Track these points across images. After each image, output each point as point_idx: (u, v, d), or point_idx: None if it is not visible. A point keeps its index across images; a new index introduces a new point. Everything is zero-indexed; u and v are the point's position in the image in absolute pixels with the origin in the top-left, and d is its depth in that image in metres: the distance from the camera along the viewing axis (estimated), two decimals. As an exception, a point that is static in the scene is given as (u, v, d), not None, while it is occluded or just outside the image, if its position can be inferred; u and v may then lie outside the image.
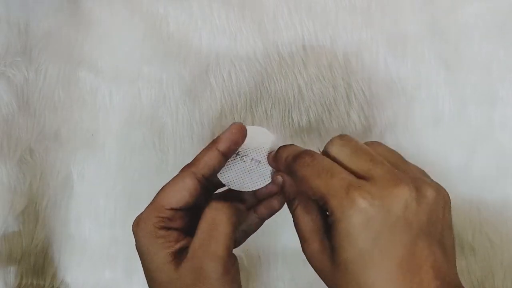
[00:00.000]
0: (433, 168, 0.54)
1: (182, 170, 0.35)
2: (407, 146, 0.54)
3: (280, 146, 0.34)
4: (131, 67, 0.57)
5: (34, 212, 0.56)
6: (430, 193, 0.27)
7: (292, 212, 0.32)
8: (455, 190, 0.53)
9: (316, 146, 0.55)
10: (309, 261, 0.31)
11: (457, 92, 0.55)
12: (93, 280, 0.56)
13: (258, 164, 0.35)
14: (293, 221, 0.32)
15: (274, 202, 0.37)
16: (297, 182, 0.30)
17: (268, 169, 0.35)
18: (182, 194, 0.33)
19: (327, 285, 0.29)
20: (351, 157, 0.28)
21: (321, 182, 0.27)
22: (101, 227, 0.55)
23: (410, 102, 0.55)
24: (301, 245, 0.31)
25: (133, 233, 0.33)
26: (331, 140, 0.30)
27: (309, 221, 0.31)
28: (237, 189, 0.36)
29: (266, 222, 0.39)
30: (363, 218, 0.25)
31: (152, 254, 0.32)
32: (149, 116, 0.56)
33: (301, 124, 0.55)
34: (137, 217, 0.34)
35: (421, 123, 0.55)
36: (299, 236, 0.32)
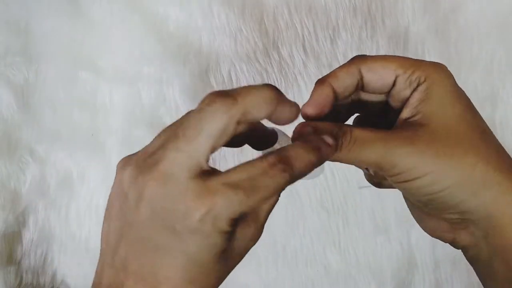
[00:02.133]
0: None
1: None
2: (407, 146, 0.54)
3: (323, 78, 0.27)
4: (131, 67, 0.57)
5: (34, 212, 0.56)
6: None
7: (351, 139, 0.25)
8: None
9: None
10: (403, 160, 0.25)
11: (457, 92, 0.55)
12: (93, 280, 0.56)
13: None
14: (355, 149, 0.25)
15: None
16: (369, 66, 0.27)
17: None
18: (278, 191, 0.24)
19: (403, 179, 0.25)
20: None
21: (403, 57, 0.27)
22: (101, 227, 0.55)
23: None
24: (386, 154, 0.25)
25: (195, 229, 0.22)
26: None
27: (375, 131, 0.25)
28: None
29: (267, 222, 0.39)
30: (456, 85, 0.27)
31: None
32: (149, 116, 0.56)
33: (301, 124, 0.55)
34: (207, 205, 0.22)
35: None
36: (378, 152, 0.25)
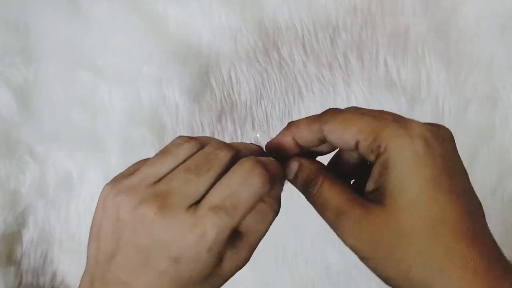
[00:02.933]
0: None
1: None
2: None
3: (290, 122, 0.29)
4: (131, 67, 0.57)
5: (34, 212, 0.56)
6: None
7: (317, 190, 0.27)
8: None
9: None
10: (348, 238, 0.25)
11: (457, 92, 0.55)
12: (93, 280, 0.56)
13: None
14: (318, 201, 0.27)
15: None
16: (329, 129, 0.26)
17: None
18: (257, 201, 0.26)
19: (371, 259, 0.24)
20: (375, 111, 0.27)
21: (366, 118, 0.25)
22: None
23: (410, 102, 0.55)
24: (335, 223, 0.26)
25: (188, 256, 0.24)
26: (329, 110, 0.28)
27: (342, 190, 0.26)
28: None
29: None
30: (426, 145, 0.23)
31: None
32: (149, 116, 0.56)
33: (301, 124, 0.55)
34: (197, 233, 0.24)
35: (421, 123, 0.55)
36: (329, 216, 0.26)
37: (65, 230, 0.56)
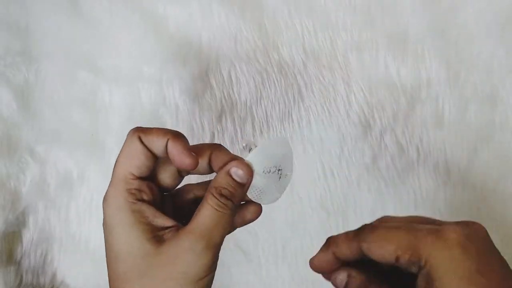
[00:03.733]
0: (433, 168, 0.54)
1: (129, 134, 0.32)
2: (407, 147, 0.54)
3: (329, 239, 0.31)
4: (131, 67, 0.57)
5: (34, 212, 0.56)
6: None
7: None
8: (455, 190, 0.53)
9: (316, 147, 0.55)
10: None
11: (457, 92, 0.55)
12: (93, 280, 0.56)
13: (285, 177, 0.33)
14: None
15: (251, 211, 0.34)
16: (368, 247, 0.28)
17: (287, 182, 0.34)
18: (140, 159, 0.31)
19: None
20: (409, 218, 0.29)
21: (403, 233, 0.26)
22: (101, 227, 0.55)
23: (410, 102, 0.55)
24: None
25: (103, 211, 0.31)
26: (379, 219, 0.31)
27: None
28: (254, 200, 0.33)
29: (266, 221, 0.39)
30: (462, 250, 0.25)
31: (127, 229, 0.30)
32: (149, 116, 0.56)
33: (301, 124, 0.55)
34: (105, 195, 0.31)
35: (421, 123, 0.55)
36: None
37: (65, 230, 0.56)
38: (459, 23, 0.55)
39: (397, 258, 0.26)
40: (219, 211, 0.30)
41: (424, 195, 0.53)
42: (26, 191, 0.55)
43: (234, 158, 0.32)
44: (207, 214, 0.30)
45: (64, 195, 0.56)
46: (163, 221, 0.31)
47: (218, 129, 0.56)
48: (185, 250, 0.29)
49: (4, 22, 0.58)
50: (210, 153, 0.32)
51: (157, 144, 0.30)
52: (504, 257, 0.27)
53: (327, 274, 0.30)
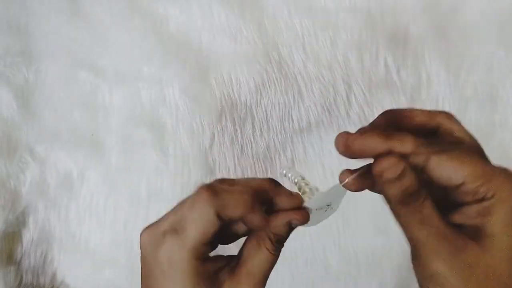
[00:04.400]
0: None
1: (203, 199, 0.29)
2: (407, 146, 0.54)
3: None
4: (131, 67, 0.57)
5: (34, 212, 0.56)
6: None
7: (420, 204, 0.26)
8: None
9: (316, 146, 0.55)
10: (440, 261, 0.25)
11: (457, 92, 0.55)
12: (93, 280, 0.56)
13: (331, 209, 0.34)
14: (417, 215, 0.26)
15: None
16: (436, 164, 0.26)
17: (332, 213, 0.34)
18: (214, 231, 0.28)
19: None
20: (468, 136, 0.30)
21: (481, 160, 0.26)
22: (101, 227, 0.55)
23: (410, 102, 0.55)
24: (431, 242, 0.25)
25: (163, 272, 0.28)
26: (436, 113, 0.30)
27: (439, 216, 0.26)
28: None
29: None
30: None
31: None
32: (149, 116, 0.56)
33: (301, 124, 0.55)
34: (165, 255, 0.28)
35: (421, 123, 0.55)
36: (426, 234, 0.26)
37: (65, 230, 0.56)
38: (459, 23, 0.55)
39: (462, 184, 0.25)
40: (275, 255, 0.31)
41: (424, 195, 0.53)
42: (26, 191, 0.55)
43: (294, 202, 0.32)
44: (264, 258, 0.30)
45: (64, 195, 0.56)
46: (218, 262, 0.31)
47: (218, 129, 0.56)
48: None
49: (4, 22, 0.58)
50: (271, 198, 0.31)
51: (234, 216, 0.29)
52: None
53: (361, 158, 0.27)
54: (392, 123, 0.29)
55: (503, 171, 0.26)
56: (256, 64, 0.56)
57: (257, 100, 0.56)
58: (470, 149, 0.28)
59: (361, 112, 0.55)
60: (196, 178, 0.55)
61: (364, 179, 0.29)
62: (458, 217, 0.26)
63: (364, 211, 0.54)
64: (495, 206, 0.25)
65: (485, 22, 0.55)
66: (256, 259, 0.30)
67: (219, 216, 0.28)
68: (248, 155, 0.55)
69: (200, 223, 0.27)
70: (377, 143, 0.26)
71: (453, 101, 0.55)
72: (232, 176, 0.55)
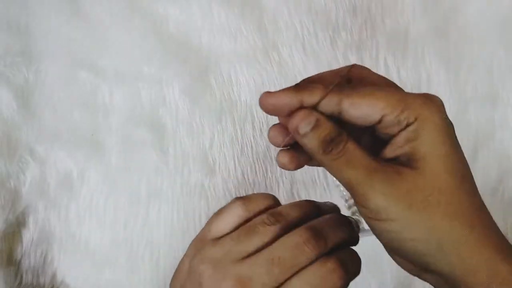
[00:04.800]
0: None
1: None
2: (407, 146, 0.54)
3: (304, 82, 0.28)
4: (131, 67, 0.57)
5: (34, 212, 0.56)
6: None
7: (343, 148, 0.25)
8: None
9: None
10: (379, 197, 0.25)
11: (457, 92, 0.55)
12: (93, 280, 0.56)
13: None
14: (342, 160, 0.26)
15: None
16: (351, 103, 0.25)
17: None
18: None
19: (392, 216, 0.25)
20: (383, 79, 0.30)
21: (395, 91, 0.26)
22: (101, 227, 0.55)
23: (410, 102, 0.55)
24: (365, 181, 0.25)
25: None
26: (349, 67, 0.29)
27: (367, 152, 0.26)
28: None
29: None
30: (444, 115, 0.26)
31: None
32: (149, 116, 0.56)
33: (301, 124, 0.55)
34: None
35: (421, 123, 0.55)
36: (357, 174, 0.25)
37: (65, 230, 0.56)
38: (459, 23, 0.55)
39: (382, 117, 0.25)
40: None
41: (424, 195, 0.53)
42: (26, 191, 0.55)
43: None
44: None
45: (64, 195, 0.56)
46: None
47: (218, 129, 0.56)
48: None
49: (4, 22, 0.58)
50: None
51: None
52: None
53: (279, 116, 0.28)
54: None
55: (420, 94, 0.27)
56: (256, 64, 0.56)
57: (257, 100, 0.56)
58: (382, 85, 0.28)
59: (361, 112, 0.55)
60: (196, 178, 0.55)
61: (298, 155, 0.29)
62: (389, 151, 0.26)
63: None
64: (420, 128, 0.25)
65: (485, 22, 0.55)
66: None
67: None
68: (248, 155, 0.55)
69: None
70: (287, 98, 0.27)
71: (453, 101, 0.55)
72: (232, 176, 0.55)
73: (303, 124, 0.26)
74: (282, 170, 0.57)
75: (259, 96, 0.54)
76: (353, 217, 0.33)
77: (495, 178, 0.53)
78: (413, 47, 0.55)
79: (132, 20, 0.57)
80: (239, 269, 0.26)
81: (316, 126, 0.26)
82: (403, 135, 0.25)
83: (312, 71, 0.56)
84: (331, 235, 0.28)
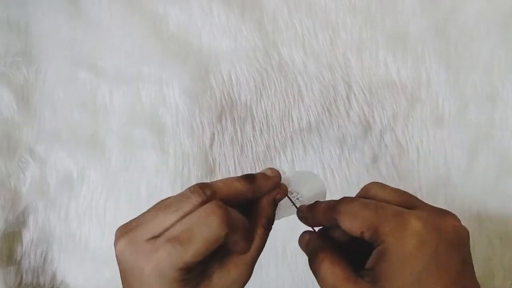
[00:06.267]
0: (433, 168, 0.54)
1: (210, 203, 0.28)
2: (407, 147, 0.54)
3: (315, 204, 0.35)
4: (131, 67, 0.57)
5: (34, 212, 0.56)
6: (463, 227, 0.30)
7: (318, 266, 0.31)
8: (455, 190, 0.53)
9: (316, 147, 0.55)
10: None
11: (457, 92, 0.55)
12: (93, 280, 0.56)
13: (300, 203, 0.37)
14: (318, 275, 0.31)
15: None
16: (340, 219, 0.30)
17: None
18: (219, 240, 0.27)
19: None
20: (393, 194, 0.31)
21: (370, 212, 0.29)
22: (101, 227, 0.55)
23: (410, 102, 0.55)
24: None
25: (150, 282, 0.28)
26: (367, 185, 0.33)
27: (340, 270, 0.30)
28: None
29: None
30: (418, 240, 0.27)
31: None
32: (149, 116, 0.56)
33: (301, 124, 0.55)
34: (157, 265, 0.27)
35: (421, 123, 0.55)
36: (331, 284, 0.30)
37: (65, 230, 0.56)
38: (459, 23, 0.55)
39: (362, 233, 0.29)
40: (264, 240, 0.33)
41: (424, 195, 0.53)
42: (26, 191, 0.55)
43: (274, 180, 0.35)
44: (257, 246, 0.32)
45: (64, 195, 0.56)
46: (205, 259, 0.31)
47: (218, 129, 0.56)
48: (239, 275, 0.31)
49: (4, 22, 0.58)
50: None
51: (234, 240, 0.30)
52: (504, 258, 0.28)
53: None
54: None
55: (396, 215, 0.28)
56: (256, 64, 0.56)
57: (257, 100, 0.56)
58: (369, 200, 0.31)
59: (361, 112, 0.55)
60: (196, 178, 0.55)
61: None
62: (369, 263, 0.29)
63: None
64: (384, 252, 0.27)
65: (485, 22, 0.55)
66: (255, 249, 0.32)
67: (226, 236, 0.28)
68: (248, 155, 0.55)
69: (210, 239, 0.27)
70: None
71: (453, 101, 0.55)
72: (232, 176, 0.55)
73: (301, 240, 0.35)
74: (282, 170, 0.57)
75: (259, 96, 0.54)
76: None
77: (495, 178, 0.53)
78: (413, 47, 0.55)
79: (132, 20, 0.58)
80: (129, 223, 0.29)
81: (308, 244, 0.34)
82: (375, 253, 0.28)
83: (312, 71, 0.56)
84: (223, 188, 0.30)
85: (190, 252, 0.26)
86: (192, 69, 0.56)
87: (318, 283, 0.31)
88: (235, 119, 0.56)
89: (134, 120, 0.56)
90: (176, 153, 0.55)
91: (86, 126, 0.56)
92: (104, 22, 0.58)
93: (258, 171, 0.56)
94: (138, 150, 0.56)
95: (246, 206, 0.33)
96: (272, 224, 0.34)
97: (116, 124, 0.56)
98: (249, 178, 0.33)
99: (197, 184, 0.29)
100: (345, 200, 0.31)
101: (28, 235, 0.55)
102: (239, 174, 0.56)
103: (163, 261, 0.27)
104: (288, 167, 0.55)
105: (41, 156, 0.56)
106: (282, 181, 0.35)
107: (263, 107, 0.56)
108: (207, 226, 0.27)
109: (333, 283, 0.29)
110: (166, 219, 0.28)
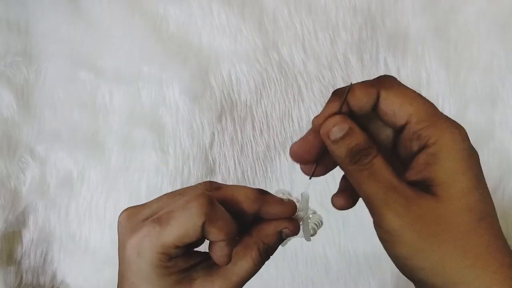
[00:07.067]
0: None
1: (196, 195, 0.27)
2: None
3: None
4: (131, 67, 0.57)
5: (34, 212, 0.56)
6: None
7: (370, 160, 0.25)
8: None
9: (316, 146, 0.55)
10: (393, 216, 0.24)
11: (457, 92, 0.55)
12: (93, 280, 0.56)
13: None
14: (366, 172, 0.25)
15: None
16: (387, 95, 0.25)
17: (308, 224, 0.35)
18: (196, 227, 0.26)
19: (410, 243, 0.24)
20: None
21: (426, 103, 0.25)
22: (101, 227, 0.55)
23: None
24: (383, 197, 0.24)
25: (130, 259, 0.28)
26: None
27: (393, 170, 0.25)
28: None
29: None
30: (470, 146, 0.25)
31: (156, 282, 0.28)
32: (149, 116, 0.56)
33: (301, 124, 0.55)
34: (136, 242, 0.27)
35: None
36: (378, 188, 0.25)
37: (65, 230, 0.56)
38: (459, 23, 0.55)
39: (406, 123, 0.25)
40: (258, 266, 0.30)
41: (424, 195, 0.53)
42: (26, 191, 0.55)
43: (288, 210, 0.31)
44: (246, 267, 0.29)
45: (64, 195, 0.56)
46: (192, 258, 0.29)
47: (218, 129, 0.56)
48: None
49: (5, 22, 0.58)
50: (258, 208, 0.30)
51: (213, 239, 0.28)
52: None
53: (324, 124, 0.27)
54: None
55: (449, 119, 0.25)
56: (256, 64, 0.56)
57: (257, 100, 0.56)
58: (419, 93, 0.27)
59: (361, 112, 0.55)
60: (196, 178, 0.55)
61: (350, 195, 0.30)
62: (410, 174, 0.25)
63: (364, 211, 0.54)
64: (439, 153, 0.24)
65: (485, 22, 0.55)
66: (237, 266, 0.29)
67: (203, 227, 0.26)
68: (248, 155, 0.55)
69: (185, 225, 0.26)
70: (331, 111, 0.26)
71: (453, 101, 0.55)
72: (232, 176, 0.55)
73: (335, 130, 0.26)
74: (282, 170, 0.57)
75: (259, 96, 0.54)
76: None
77: (495, 178, 0.53)
78: (413, 47, 0.55)
79: (132, 20, 0.57)
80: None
81: (347, 134, 0.25)
82: (423, 158, 0.25)
83: (312, 71, 0.56)
84: (230, 188, 0.29)
85: (165, 234, 0.26)
86: (192, 69, 0.56)
87: (360, 184, 0.26)
88: (235, 119, 0.56)
89: (134, 120, 0.56)
90: (176, 153, 0.55)
91: (86, 126, 0.56)
92: (104, 22, 0.58)
93: (258, 171, 0.56)
94: (138, 150, 0.56)
95: (252, 223, 0.31)
96: (271, 254, 0.31)
97: (116, 124, 0.56)
98: (261, 190, 0.30)
99: (208, 180, 0.29)
100: (391, 77, 0.26)
101: (28, 235, 0.55)
102: (239, 174, 0.56)
103: (142, 239, 0.27)
104: (288, 167, 0.55)
105: (41, 156, 0.56)
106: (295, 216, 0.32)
107: (263, 107, 0.56)
108: (185, 211, 0.26)
109: (390, 182, 0.24)
110: (166, 204, 0.28)
